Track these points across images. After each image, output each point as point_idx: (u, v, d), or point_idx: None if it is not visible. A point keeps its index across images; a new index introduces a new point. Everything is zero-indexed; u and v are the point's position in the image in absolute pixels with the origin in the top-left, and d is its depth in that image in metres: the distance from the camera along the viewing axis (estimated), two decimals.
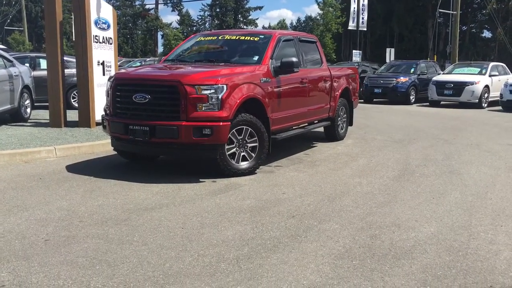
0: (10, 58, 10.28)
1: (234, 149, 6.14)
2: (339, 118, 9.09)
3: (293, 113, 7.23)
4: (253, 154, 6.29)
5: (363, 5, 29.55)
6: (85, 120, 9.40)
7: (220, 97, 5.76)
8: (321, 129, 9.16)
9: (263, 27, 69.60)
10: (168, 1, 66.23)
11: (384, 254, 3.70)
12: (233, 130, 6.03)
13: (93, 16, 9.42)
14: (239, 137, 6.14)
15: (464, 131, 10.87)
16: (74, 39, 9.64)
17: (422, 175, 6.35)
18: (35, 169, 6.42)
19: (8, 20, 50.68)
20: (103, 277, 3.26)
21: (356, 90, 9.99)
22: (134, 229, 4.18)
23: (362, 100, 19.84)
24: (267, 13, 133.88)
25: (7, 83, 9.34)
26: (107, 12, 9.91)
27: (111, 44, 9.97)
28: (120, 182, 5.78)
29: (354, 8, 29.27)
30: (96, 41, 9.53)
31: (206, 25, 65.87)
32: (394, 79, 19.00)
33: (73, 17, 9.64)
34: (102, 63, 9.69)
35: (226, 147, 6.01)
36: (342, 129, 9.27)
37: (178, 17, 64.67)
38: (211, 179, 5.95)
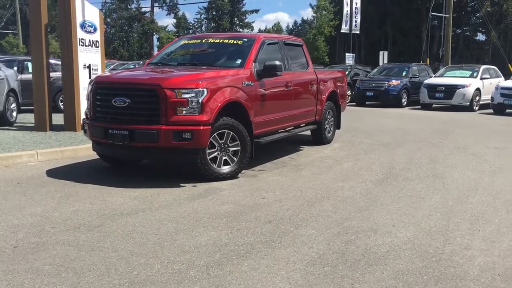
0: None
1: (216, 153, 6.08)
2: (326, 122, 9.04)
3: (277, 117, 7.19)
4: (235, 158, 6.23)
5: (356, 8, 29.57)
6: (70, 124, 9.33)
7: (200, 100, 5.70)
8: (309, 133, 9.12)
9: (259, 30, 69.58)
10: (164, 4, 66.20)
11: (357, 260, 3.65)
12: (215, 134, 5.97)
13: (79, 19, 9.36)
14: (220, 141, 6.08)
15: (453, 134, 10.85)
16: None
17: (405, 179, 6.31)
18: (14, 174, 6.35)
19: (2, 23, 50.54)
20: (67, 285, 3.19)
21: (344, 93, 9.95)
22: (106, 236, 4.12)
23: (354, 103, 19.90)
24: (263, 16, 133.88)
25: None
26: (94, 15, 9.86)
27: (97, 47, 9.92)
28: (99, 187, 5.71)
29: (347, 11, 29.27)
30: (82, 44, 9.48)
31: (203, 28, 65.87)
32: (386, 82, 19.02)
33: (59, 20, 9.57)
34: (88, 67, 9.63)
35: (208, 151, 5.95)
36: (329, 132, 9.23)
37: (174, 20, 64.68)
38: (191, 184, 5.90)
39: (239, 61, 6.79)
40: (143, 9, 65.55)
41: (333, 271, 3.46)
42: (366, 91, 19.18)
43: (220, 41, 7.38)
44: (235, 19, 64.56)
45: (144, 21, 63.07)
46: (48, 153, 7.31)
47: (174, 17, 64.86)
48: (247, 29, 64.33)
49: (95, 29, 9.83)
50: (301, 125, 8.39)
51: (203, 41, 7.65)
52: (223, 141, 6.10)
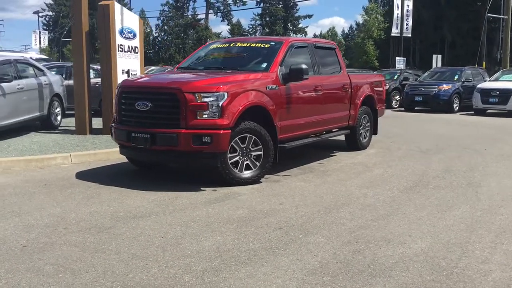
0: (41, 67, 10.65)
1: (237, 158, 6.02)
2: (361, 127, 8.78)
3: (304, 121, 7.04)
4: (257, 163, 6.15)
5: (407, 11, 28.75)
6: (108, 128, 9.55)
7: (220, 104, 5.67)
8: (344, 138, 8.90)
9: (314, 35, 69.14)
10: (218, 11, 67.22)
11: (360, 271, 3.47)
12: (236, 138, 5.92)
13: (118, 25, 9.60)
14: (242, 146, 6.02)
15: (501, 141, 10.25)
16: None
17: (436, 187, 6.00)
18: (45, 175, 6.57)
19: (65, 32, 52.97)
20: (62, 285, 3.23)
21: (382, 97, 9.65)
22: (113, 238, 4.15)
23: (403, 108, 19.33)
24: (319, 21, 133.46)
25: (36, 91, 9.67)
26: (133, 22, 10.09)
27: (137, 53, 10.13)
28: (121, 189, 5.79)
29: (398, 14, 28.52)
30: (121, 50, 9.71)
31: (257, 34, 66.28)
32: (436, 86, 18.29)
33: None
34: (127, 72, 9.85)
35: (229, 155, 5.91)
36: (364, 138, 8.95)
37: (229, 27, 65.50)
38: (212, 188, 5.86)
39: (264, 65, 6.71)
40: (198, 16, 66.92)
41: (332, 281, 3.31)
42: (415, 96, 18.52)
43: (248, 45, 7.34)
44: (289, 24, 64.53)
45: (199, 28, 64.31)
46: (81, 156, 7.52)
47: (228, 24, 65.74)
48: (300, 34, 64.13)
49: (134, 35, 10.05)
50: (333, 130, 8.19)
51: (231, 45, 7.64)
52: (245, 145, 6.04)
